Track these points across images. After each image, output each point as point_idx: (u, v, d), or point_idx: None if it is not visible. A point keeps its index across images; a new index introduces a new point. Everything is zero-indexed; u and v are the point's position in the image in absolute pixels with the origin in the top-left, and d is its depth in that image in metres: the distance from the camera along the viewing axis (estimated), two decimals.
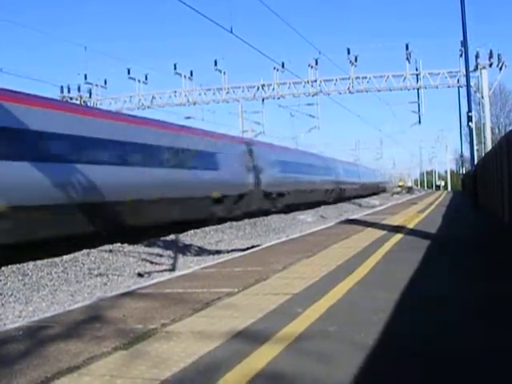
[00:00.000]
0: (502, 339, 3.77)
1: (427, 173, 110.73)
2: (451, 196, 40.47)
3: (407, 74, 35.07)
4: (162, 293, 6.15)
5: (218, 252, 15.11)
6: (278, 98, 38.17)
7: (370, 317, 4.41)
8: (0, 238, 11.63)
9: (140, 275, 11.56)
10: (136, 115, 23.46)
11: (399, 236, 11.12)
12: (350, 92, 36.05)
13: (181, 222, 18.32)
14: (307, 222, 25.87)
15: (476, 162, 24.33)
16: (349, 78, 35.68)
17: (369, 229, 13.43)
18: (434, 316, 4.50)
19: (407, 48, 34.15)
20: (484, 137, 34.71)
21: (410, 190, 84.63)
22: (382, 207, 29.48)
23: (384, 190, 75.81)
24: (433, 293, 5.41)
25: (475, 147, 26.70)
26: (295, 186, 31.91)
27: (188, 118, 41.74)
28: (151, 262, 13.20)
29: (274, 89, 37.14)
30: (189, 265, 12.26)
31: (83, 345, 4.02)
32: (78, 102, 40.25)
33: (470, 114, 21.95)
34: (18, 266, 11.28)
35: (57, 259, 12.19)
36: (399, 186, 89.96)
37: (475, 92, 33.25)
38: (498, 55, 32.53)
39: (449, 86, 35.43)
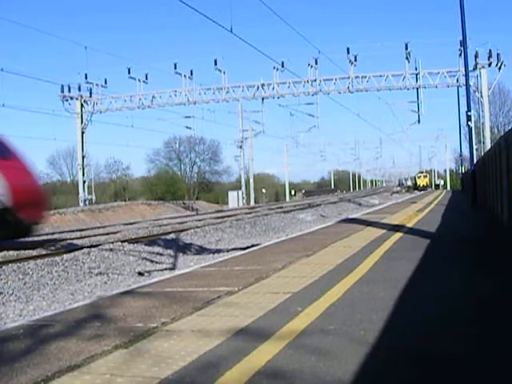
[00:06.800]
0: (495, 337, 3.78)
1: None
2: (450, 195, 40.46)
3: (406, 74, 35.13)
4: (163, 291, 6.16)
5: (218, 251, 15.13)
6: (278, 98, 38.27)
7: (369, 315, 4.42)
8: None
9: (140, 274, 11.57)
10: None
11: (399, 235, 11.12)
12: (349, 91, 36.12)
13: None
14: (307, 220, 25.90)
15: (475, 161, 24.34)
16: (348, 78, 35.75)
17: (368, 228, 13.43)
18: (433, 316, 4.51)
19: (406, 47, 34.26)
20: (483, 136, 34.75)
21: (409, 189, 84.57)
22: (381, 206, 29.48)
23: None
24: (432, 292, 5.42)
25: (474, 146, 26.71)
26: None
27: (188, 117, 41.88)
28: (151, 261, 13.22)
29: (273, 88, 37.21)
30: (189, 264, 12.28)
31: (83, 343, 4.03)
32: (78, 101, 40.32)
33: (469, 113, 21.98)
34: (18, 264, 11.27)
35: (57, 258, 12.19)
36: (422, 186, 76.84)
37: (474, 91, 33.28)
38: (497, 55, 32.61)
39: (448, 86, 35.53)
